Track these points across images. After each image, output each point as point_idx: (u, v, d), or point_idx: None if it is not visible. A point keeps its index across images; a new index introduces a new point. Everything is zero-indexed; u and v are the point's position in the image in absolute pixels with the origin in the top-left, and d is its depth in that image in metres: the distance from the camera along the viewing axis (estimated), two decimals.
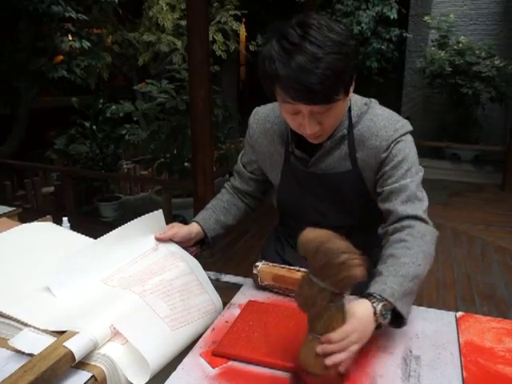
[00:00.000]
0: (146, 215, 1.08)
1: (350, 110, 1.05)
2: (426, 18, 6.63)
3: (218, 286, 1.09)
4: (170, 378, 0.80)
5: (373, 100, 1.09)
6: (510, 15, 6.55)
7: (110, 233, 1.02)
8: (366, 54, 6.82)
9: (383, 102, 1.11)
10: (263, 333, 0.91)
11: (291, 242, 1.30)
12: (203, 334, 0.94)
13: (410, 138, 1.05)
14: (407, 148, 1.03)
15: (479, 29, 6.77)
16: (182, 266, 1.03)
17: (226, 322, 0.97)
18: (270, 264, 1.10)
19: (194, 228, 1.17)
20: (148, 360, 0.78)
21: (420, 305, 1.08)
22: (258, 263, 1.11)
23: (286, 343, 0.87)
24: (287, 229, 1.31)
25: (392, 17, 6.64)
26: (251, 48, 6.61)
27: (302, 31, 0.87)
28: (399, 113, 1.10)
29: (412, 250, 0.94)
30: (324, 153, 1.07)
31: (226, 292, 1.09)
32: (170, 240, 1.09)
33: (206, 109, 3.01)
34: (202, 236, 1.19)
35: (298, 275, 1.06)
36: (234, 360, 0.84)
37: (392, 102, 7.42)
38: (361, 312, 0.81)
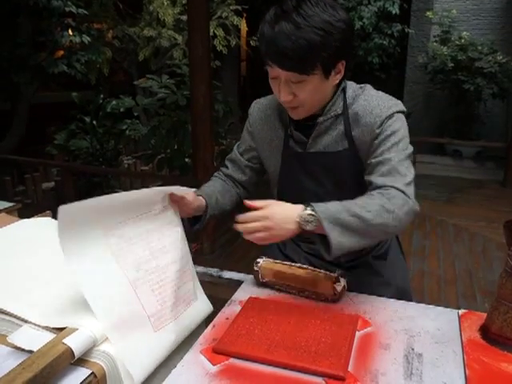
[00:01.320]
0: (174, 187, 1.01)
1: (344, 92, 1.09)
2: (428, 13, 6.59)
3: (219, 282, 1.08)
4: (170, 375, 0.79)
5: (368, 85, 1.13)
6: None
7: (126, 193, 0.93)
8: (368, 49, 6.79)
9: None
10: (264, 330, 0.90)
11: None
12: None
13: (402, 116, 1.07)
14: (397, 124, 1.04)
15: (482, 24, 6.73)
16: (179, 235, 1.00)
17: (227, 318, 0.97)
18: (271, 260, 1.10)
19: (198, 199, 1.10)
20: (132, 373, 0.78)
21: (422, 302, 1.07)
22: (258, 259, 1.10)
23: (287, 340, 0.87)
24: None
25: (394, 12, 6.59)
26: (252, 43, 6.57)
27: (296, 2, 0.94)
28: None
29: (371, 200, 0.95)
30: (320, 132, 1.10)
31: (227, 289, 1.08)
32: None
33: (206, 104, 3.00)
34: (200, 212, 1.12)
35: (299, 272, 1.05)
36: (235, 357, 0.84)
37: None
38: (287, 208, 0.93)
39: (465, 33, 6.31)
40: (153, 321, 0.87)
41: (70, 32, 4.61)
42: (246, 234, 0.91)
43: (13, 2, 4.14)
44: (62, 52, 4.70)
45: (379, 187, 0.98)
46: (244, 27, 7.98)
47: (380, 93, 1.10)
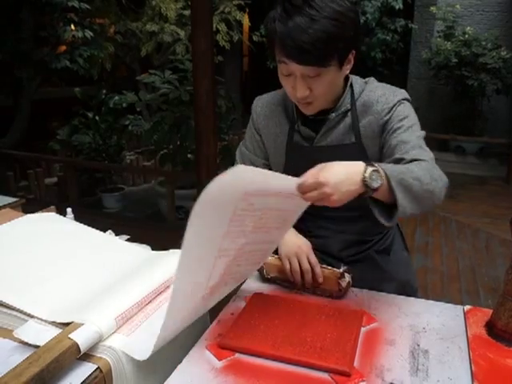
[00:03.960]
0: None
1: (352, 87, 1.10)
2: (432, 8, 6.55)
3: None
4: (176, 370, 0.80)
5: (371, 78, 1.15)
6: None
7: None
8: (371, 44, 6.74)
9: None
10: (269, 325, 0.90)
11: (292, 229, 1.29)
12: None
13: (409, 104, 1.09)
14: (407, 110, 1.07)
15: (485, 19, 6.69)
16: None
17: (232, 314, 0.97)
18: (276, 256, 1.09)
19: None
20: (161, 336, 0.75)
21: (425, 298, 1.07)
22: None
23: (292, 336, 0.87)
24: None
25: (397, 7, 6.54)
26: (255, 38, 6.54)
27: None
28: None
29: (418, 167, 0.89)
30: (329, 127, 1.10)
31: None
32: None
33: (209, 100, 2.98)
34: None
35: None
36: (240, 353, 0.84)
37: None
38: (346, 168, 0.81)
39: (468, 28, 6.27)
40: (207, 292, 0.82)
41: (73, 27, 4.59)
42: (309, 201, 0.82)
43: None
44: (64, 47, 4.69)
45: (410, 161, 0.93)
46: (247, 22, 7.94)
47: (384, 84, 1.13)
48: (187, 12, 5.33)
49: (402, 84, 7.40)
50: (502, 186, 5.25)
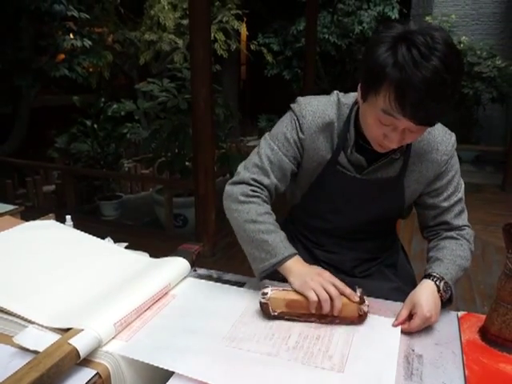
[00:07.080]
0: None
1: None
2: (428, 18, 6.62)
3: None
4: (174, 376, 0.80)
5: None
6: (511, 15, 6.55)
7: None
8: None
9: None
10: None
11: (304, 241, 1.29)
12: None
13: (455, 151, 1.12)
14: (457, 162, 1.11)
15: (480, 29, 6.77)
16: None
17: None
18: (280, 289, 0.97)
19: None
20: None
21: None
22: (265, 290, 0.95)
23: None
24: (301, 227, 1.29)
25: (393, 17, 6.64)
26: (252, 47, 6.60)
27: (432, 41, 0.83)
28: None
29: (463, 247, 1.08)
30: (385, 163, 1.05)
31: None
32: None
33: (207, 108, 3.01)
34: None
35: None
36: None
37: None
38: (430, 296, 0.95)
39: (464, 37, 6.35)
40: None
41: (72, 36, 4.64)
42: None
43: (15, 5, 4.17)
44: (63, 56, 4.73)
45: (455, 228, 1.12)
46: (244, 31, 8.01)
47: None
48: (185, 21, 5.39)
49: None
50: (497, 193, 5.27)
